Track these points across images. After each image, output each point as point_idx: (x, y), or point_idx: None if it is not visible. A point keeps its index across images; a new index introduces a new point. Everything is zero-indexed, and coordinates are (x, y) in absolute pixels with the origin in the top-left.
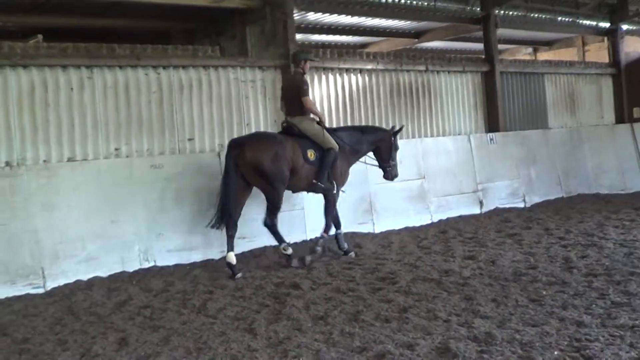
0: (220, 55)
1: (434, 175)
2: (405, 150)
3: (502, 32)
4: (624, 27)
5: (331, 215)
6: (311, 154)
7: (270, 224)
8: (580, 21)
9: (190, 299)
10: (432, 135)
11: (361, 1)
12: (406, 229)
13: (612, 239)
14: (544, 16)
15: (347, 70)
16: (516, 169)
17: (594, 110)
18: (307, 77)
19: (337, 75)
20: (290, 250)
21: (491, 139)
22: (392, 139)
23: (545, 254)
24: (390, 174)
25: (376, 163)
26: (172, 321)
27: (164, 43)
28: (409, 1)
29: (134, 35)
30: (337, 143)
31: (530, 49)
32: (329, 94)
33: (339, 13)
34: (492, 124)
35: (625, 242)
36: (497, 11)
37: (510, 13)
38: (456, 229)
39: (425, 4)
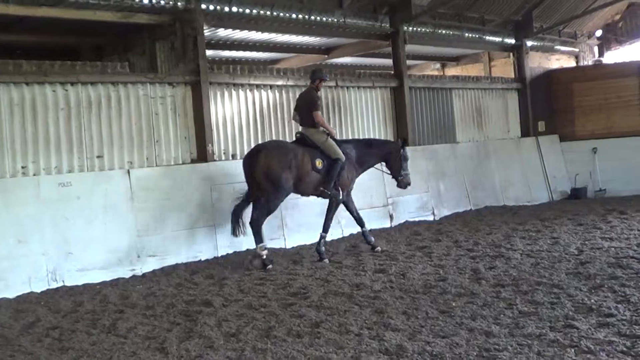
0: (129, 71)
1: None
2: None
3: (410, 48)
4: (529, 43)
5: (331, 218)
6: (319, 163)
7: (256, 224)
8: (487, 37)
9: (100, 319)
10: None
11: (271, 18)
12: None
13: (519, 250)
14: (451, 33)
15: (258, 86)
16: (425, 182)
17: (501, 124)
18: (320, 94)
19: (248, 91)
20: (265, 253)
21: None
22: (401, 150)
23: (455, 266)
24: (402, 183)
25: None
26: (81, 342)
27: (73, 59)
28: (318, 18)
29: (42, 51)
30: (345, 154)
31: (438, 65)
32: (240, 110)
33: (249, 29)
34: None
35: (531, 253)
36: (405, 28)
37: (419, 29)
38: (367, 243)
39: (335, 20)
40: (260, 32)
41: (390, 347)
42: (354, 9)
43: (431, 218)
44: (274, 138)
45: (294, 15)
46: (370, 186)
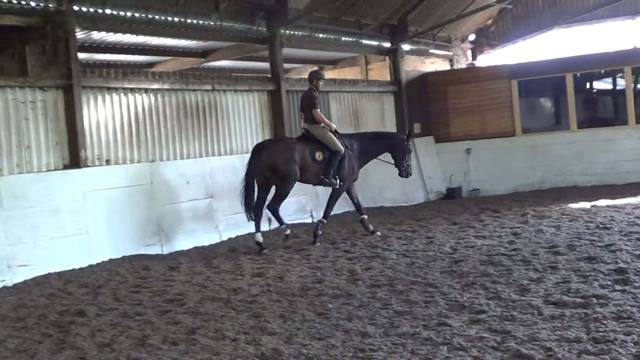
0: None
1: (222, 194)
2: (193, 169)
3: (288, 51)
4: (404, 47)
5: (332, 205)
6: (319, 155)
7: (273, 209)
8: (363, 41)
9: None
10: (219, 154)
11: (146, 20)
12: (195, 248)
13: (395, 250)
14: (328, 36)
15: (132, 90)
16: (304, 185)
17: (377, 127)
18: (318, 93)
19: (122, 95)
20: (288, 231)
21: None
22: (405, 143)
23: (332, 268)
24: (403, 172)
25: (390, 162)
26: None
27: None
28: (194, 21)
29: None
30: (346, 146)
31: (315, 68)
32: (114, 115)
33: (124, 32)
34: None
35: (407, 253)
36: (282, 31)
37: (296, 33)
38: (245, 246)
39: (212, 23)
40: (135, 35)
41: (266, 351)
42: (231, 13)
43: (309, 220)
44: (149, 143)
45: (169, 18)
46: None
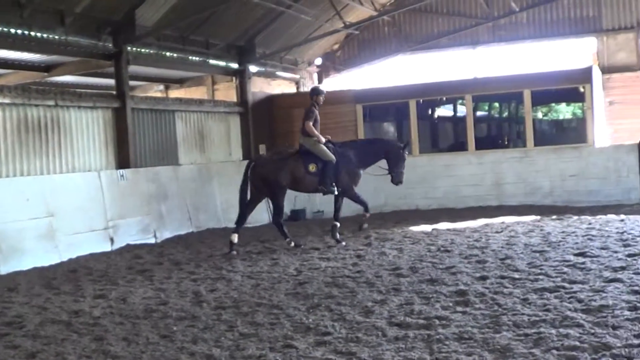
0: None
1: (63, 213)
2: (33, 187)
3: (134, 69)
4: (252, 68)
5: (339, 209)
6: (312, 167)
7: (277, 223)
8: (211, 61)
9: None
10: (61, 172)
11: None
12: (35, 269)
13: (240, 272)
14: (175, 55)
15: None
16: (147, 205)
17: (223, 147)
18: (316, 108)
19: None
20: (293, 244)
21: (122, 176)
22: (401, 151)
23: (176, 289)
24: (395, 179)
25: (380, 172)
26: None
27: None
28: (39, 34)
29: None
30: (340, 154)
31: (162, 87)
32: None
33: None
34: (122, 161)
35: (252, 274)
36: (129, 48)
37: (143, 50)
38: (86, 267)
39: (57, 37)
40: None
41: None
42: (77, 27)
43: (153, 241)
44: None
45: (12, 30)
46: (90, 209)
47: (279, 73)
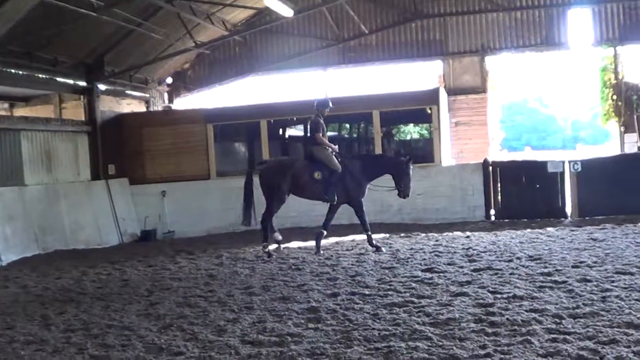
0: None
1: None
2: None
3: None
4: (100, 86)
5: (363, 217)
6: (318, 175)
7: (265, 222)
8: (58, 79)
9: None
10: None
11: None
12: None
13: (90, 294)
14: (20, 72)
15: None
16: None
17: (71, 167)
18: (321, 119)
19: None
20: (268, 248)
21: None
22: (405, 166)
23: (23, 313)
24: (402, 193)
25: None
26: None
27: None
28: None
29: None
30: (346, 165)
31: (6, 105)
32: None
33: None
34: None
35: (102, 296)
36: None
37: None
38: None
39: None
40: None
41: None
42: None
43: None
44: None
45: None
46: None
47: (129, 92)
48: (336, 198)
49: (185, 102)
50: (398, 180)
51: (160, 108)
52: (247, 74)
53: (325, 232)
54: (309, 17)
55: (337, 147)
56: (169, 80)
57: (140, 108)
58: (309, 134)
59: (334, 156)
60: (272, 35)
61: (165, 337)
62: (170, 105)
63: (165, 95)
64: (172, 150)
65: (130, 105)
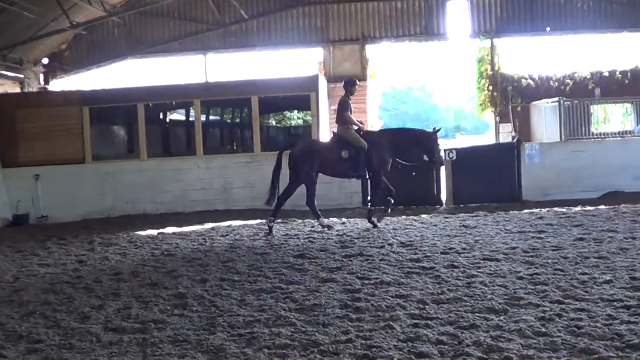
0: None
1: None
2: None
3: None
4: None
5: (376, 194)
6: (345, 154)
7: (282, 200)
8: None
9: None
10: None
11: None
12: None
13: None
14: None
15: None
16: None
17: None
18: (349, 98)
19: None
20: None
21: None
22: (434, 136)
23: None
24: (437, 162)
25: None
26: None
27: None
28: None
29: None
30: (373, 142)
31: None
32: None
33: None
34: None
35: None
36: None
37: None
38: None
39: None
40: None
41: None
42: None
43: None
44: None
45: None
46: None
47: (2, 72)
48: (366, 173)
49: (62, 84)
50: (430, 151)
51: (35, 89)
52: (126, 57)
53: (373, 209)
54: (190, 1)
55: (361, 124)
56: (45, 61)
57: (14, 89)
58: (336, 114)
59: (359, 134)
60: (152, 18)
61: (27, 324)
62: (46, 86)
63: (41, 77)
64: (46, 133)
65: (4, 86)
